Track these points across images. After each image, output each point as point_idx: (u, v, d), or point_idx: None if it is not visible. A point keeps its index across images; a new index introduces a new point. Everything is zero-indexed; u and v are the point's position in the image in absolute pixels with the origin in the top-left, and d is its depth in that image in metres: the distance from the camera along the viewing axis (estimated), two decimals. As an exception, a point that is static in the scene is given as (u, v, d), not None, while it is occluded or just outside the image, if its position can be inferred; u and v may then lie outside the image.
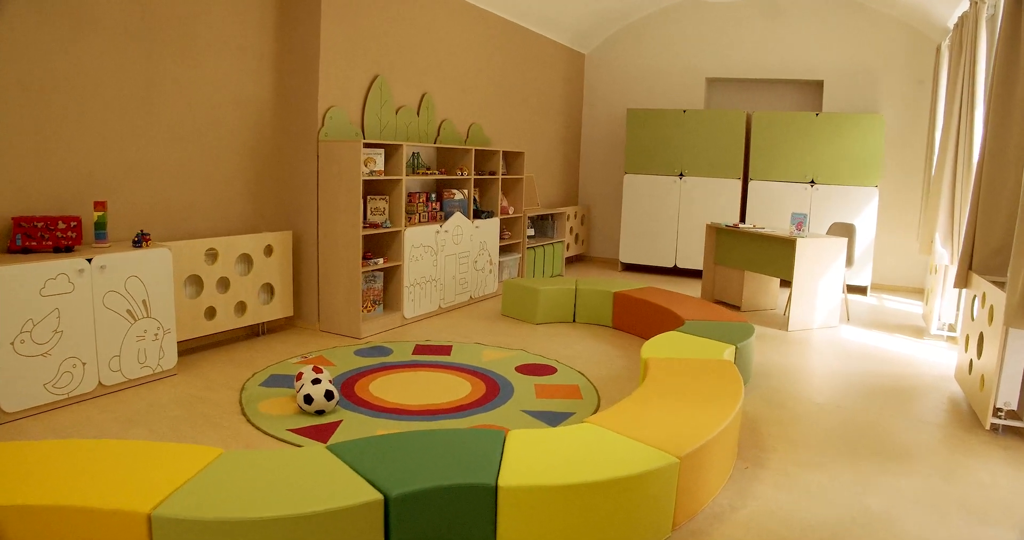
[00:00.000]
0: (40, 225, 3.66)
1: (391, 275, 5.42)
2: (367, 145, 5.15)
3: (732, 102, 8.46)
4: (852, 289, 7.47)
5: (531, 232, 7.64)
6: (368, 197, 5.25)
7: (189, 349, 4.58)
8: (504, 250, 7.10)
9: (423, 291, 5.58)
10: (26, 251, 3.61)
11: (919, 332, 5.70)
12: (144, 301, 3.93)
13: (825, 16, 7.73)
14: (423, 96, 6.02)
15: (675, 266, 8.12)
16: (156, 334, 4.01)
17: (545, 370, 4.38)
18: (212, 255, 4.51)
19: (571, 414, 3.66)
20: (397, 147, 5.21)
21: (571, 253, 8.58)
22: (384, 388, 3.94)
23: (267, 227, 5.10)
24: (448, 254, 5.83)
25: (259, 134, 4.95)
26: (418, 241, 5.46)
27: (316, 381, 3.57)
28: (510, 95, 7.43)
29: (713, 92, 8.56)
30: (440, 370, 4.31)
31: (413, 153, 5.75)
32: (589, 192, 9.21)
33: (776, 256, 5.68)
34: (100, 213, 3.93)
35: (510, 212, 6.87)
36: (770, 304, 6.40)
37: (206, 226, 4.66)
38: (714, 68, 8.30)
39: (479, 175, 6.33)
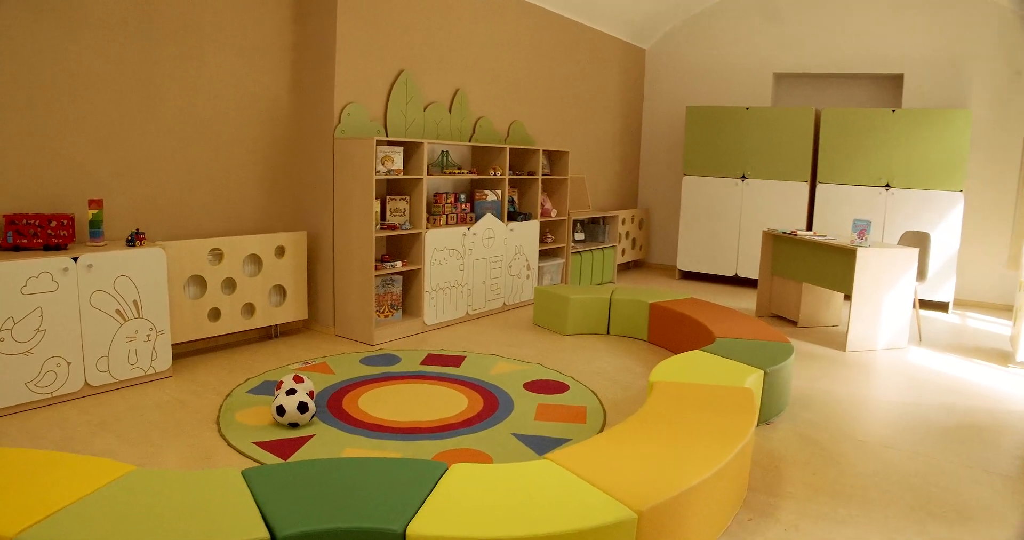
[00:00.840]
0: (33, 223, 3.61)
1: (411, 279, 5.18)
2: (386, 143, 4.94)
3: (801, 99, 7.76)
4: (931, 305, 6.65)
5: (580, 236, 7.24)
6: (388, 197, 5.03)
7: (191, 351, 4.49)
8: (545, 255, 6.74)
9: (447, 297, 5.30)
10: (17, 249, 3.58)
11: (1004, 358, 4.92)
12: (135, 301, 3.83)
13: (905, 2, 6.93)
14: (456, 92, 5.75)
15: (736, 275, 7.51)
16: (148, 335, 3.91)
17: (556, 387, 4.00)
18: (217, 255, 4.39)
19: (566, 441, 3.27)
20: (418, 145, 4.97)
21: (626, 259, 8.11)
22: (374, 401, 3.68)
23: (282, 227, 4.97)
24: (477, 258, 5.54)
25: (272, 132, 4.82)
26: (441, 244, 5.19)
27: (291, 391, 3.35)
28: (559, 92, 7.07)
29: (781, 88, 7.88)
30: (442, 383, 4.01)
31: (442, 152, 5.50)
32: (649, 195, 8.70)
33: (836, 267, 5.06)
34: (95, 211, 3.87)
35: (552, 214, 6.51)
36: (832, 320, 5.74)
37: (214, 226, 4.56)
38: (783, 63, 7.63)
39: (517, 175, 6.00)
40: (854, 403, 3.91)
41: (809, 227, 7.21)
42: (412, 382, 4.02)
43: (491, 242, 5.67)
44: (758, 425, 3.49)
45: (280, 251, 4.72)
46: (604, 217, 7.49)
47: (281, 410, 3.30)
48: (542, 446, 3.21)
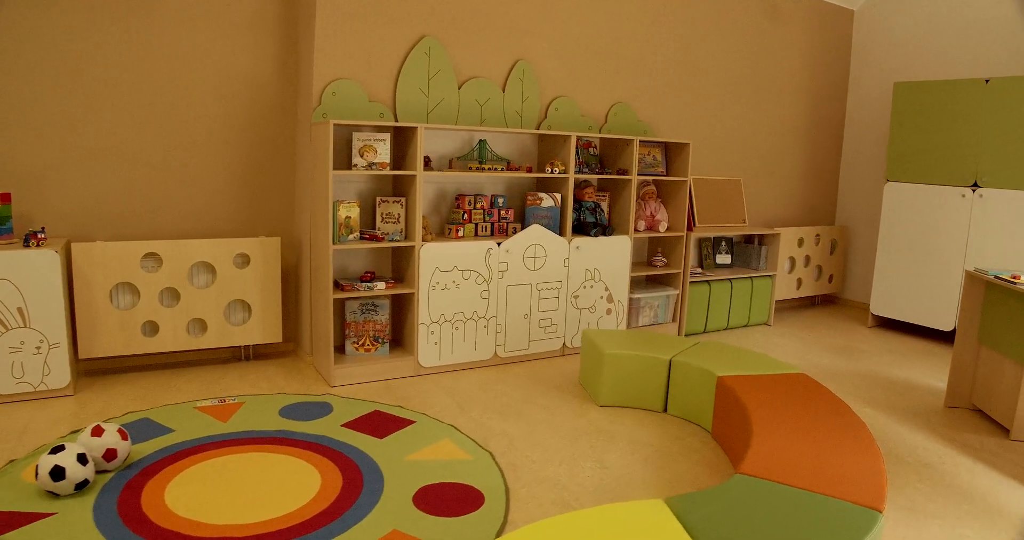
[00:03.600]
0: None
1: (406, 305, 4.03)
2: (371, 128, 3.85)
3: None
4: None
5: (725, 259, 5.39)
6: (380, 199, 3.94)
7: (128, 367, 3.88)
8: (653, 282, 5.06)
9: (459, 332, 4.04)
10: None
11: None
12: (20, 309, 3.28)
13: None
14: (515, 65, 4.43)
15: (955, 329, 4.97)
16: (38, 348, 3.34)
17: (463, 506, 2.56)
18: (155, 260, 3.72)
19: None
20: (412, 131, 3.79)
21: (808, 292, 5.94)
22: (197, 479, 2.62)
23: (265, 232, 4.15)
24: (514, 283, 4.17)
25: (254, 119, 4.00)
26: (449, 262, 3.94)
27: (58, 449, 2.47)
28: (700, 66, 5.29)
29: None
30: (319, 457, 2.83)
31: (480, 141, 4.23)
32: (851, 208, 6.34)
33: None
34: (2, 206, 3.41)
35: (661, 228, 4.82)
36: (1086, 440, 3.26)
37: (176, 228, 3.89)
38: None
39: (604, 174, 4.48)
40: None
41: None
42: (279, 451, 2.89)
43: (540, 262, 4.25)
44: None
45: (243, 260, 3.91)
46: (761, 235, 5.49)
47: (37, 471, 2.43)
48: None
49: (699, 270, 5.15)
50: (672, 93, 5.18)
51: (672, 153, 4.92)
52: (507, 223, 4.26)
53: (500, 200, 4.25)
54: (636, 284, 5.01)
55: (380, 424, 3.24)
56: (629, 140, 4.54)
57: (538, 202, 4.33)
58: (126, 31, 3.63)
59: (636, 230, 4.81)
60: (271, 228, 4.17)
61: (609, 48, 4.82)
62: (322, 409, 3.40)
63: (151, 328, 3.75)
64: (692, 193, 5.09)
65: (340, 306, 3.97)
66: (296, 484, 2.63)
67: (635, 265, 5.00)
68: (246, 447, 2.93)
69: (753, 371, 3.29)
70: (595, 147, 4.73)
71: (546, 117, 4.60)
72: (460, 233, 4.08)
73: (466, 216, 4.13)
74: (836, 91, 6.20)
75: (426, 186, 4.21)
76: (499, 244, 4.09)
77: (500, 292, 4.14)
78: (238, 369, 3.96)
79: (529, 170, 4.28)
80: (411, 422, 3.28)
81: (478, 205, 4.17)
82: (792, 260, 5.79)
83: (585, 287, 4.46)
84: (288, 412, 3.34)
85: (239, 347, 4.12)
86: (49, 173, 3.58)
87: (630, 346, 3.64)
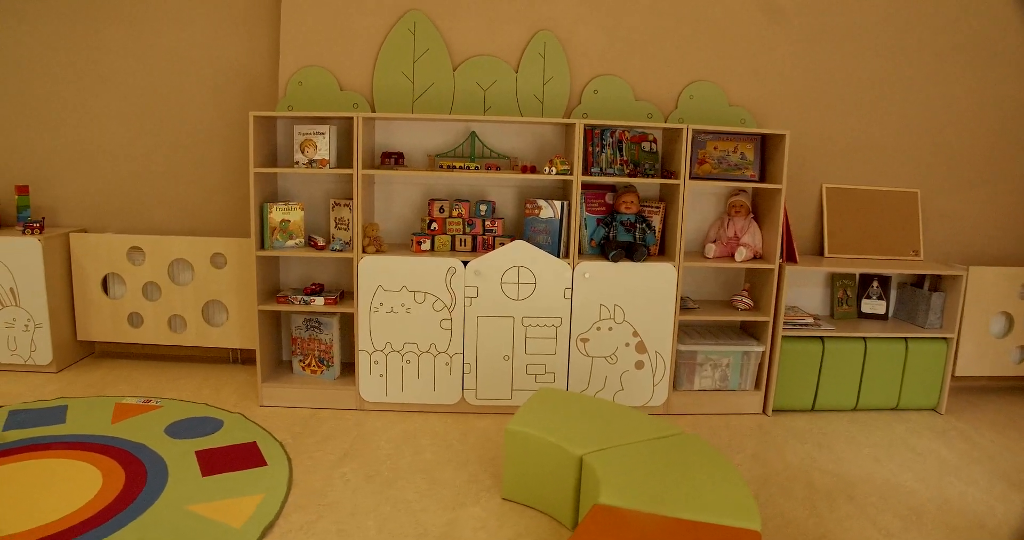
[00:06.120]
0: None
1: (351, 327, 3.46)
2: (310, 119, 3.34)
3: None
4: None
5: (877, 307, 3.67)
6: (333, 202, 3.44)
7: (116, 353, 4.09)
8: (730, 330, 3.64)
9: (411, 366, 3.35)
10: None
11: None
12: (12, 289, 3.62)
13: None
14: (532, 37, 3.49)
15: None
16: (27, 325, 3.67)
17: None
18: (137, 254, 3.78)
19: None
20: (347, 121, 3.20)
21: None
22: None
23: (245, 232, 3.92)
24: (488, 313, 3.31)
25: (236, 113, 3.76)
26: (397, 281, 3.27)
27: None
28: (841, 17, 3.61)
29: None
30: (85, 453, 2.53)
31: (471, 133, 3.42)
32: None
33: None
34: (21, 197, 3.78)
35: (738, 257, 3.41)
36: None
37: (177, 222, 3.92)
38: None
39: (668, 178, 3.32)
40: None
41: None
42: (16, 459, 2.68)
43: (527, 290, 3.31)
44: None
45: (219, 260, 3.77)
46: (939, 277, 3.57)
47: None
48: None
49: (813, 320, 3.54)
50: (791, 62, 3.62)
51: (771, 149, 3.43)
52: (493, 237, 3.40)
53: (483, 207, 3.40)
54: (704, 332, 3.65)
55: (233, 458, 2.81)
56: (679, 129, 3.26)
57: (535, 212, 3.37)
58: (125, 36, 3.71)
59: (705, 256, 3.49)
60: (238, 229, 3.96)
61: (684, 3, 3.53)
62: (211, 426, 3.10)
63: (137, 319, 3.85)
64: (786, 211, 3.53)
65: (282, 319, 3.63)
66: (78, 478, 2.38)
67: (709, 305, 3.65)
68: (51, 453, 2.76)
69: (681, 507, 2.03)
70: (654, 142, 3.53)
71: (580, 103, 3.56)
72: (424, 247, 3.37)
73: (435, 226, 3.39)
74: None
75: (407, 188, 3.58)
76: (465, 263, 3.27)
77: (468, 323, 3.32)
78: (215, 371, 3.87)
79: (525, 169, 3.34)
80: (263, 465, 2.78)
81: (454, 213, 3.40)
82: (1009, 318, 3.68)
83: (599, 328, 3.36)
84: (175, 428, 3.09)
85: (228, 349, 4.03)
86: (63, 168, 3.87)
87: (551, 424, 2.58)
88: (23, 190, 3.78)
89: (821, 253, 3.72)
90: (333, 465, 2.84)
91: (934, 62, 3.67)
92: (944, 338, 3.51)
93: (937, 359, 3.50)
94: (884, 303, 3.68)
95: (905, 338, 3.49)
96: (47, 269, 3.61)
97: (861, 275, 3.71)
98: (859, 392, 3.51)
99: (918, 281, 3.70)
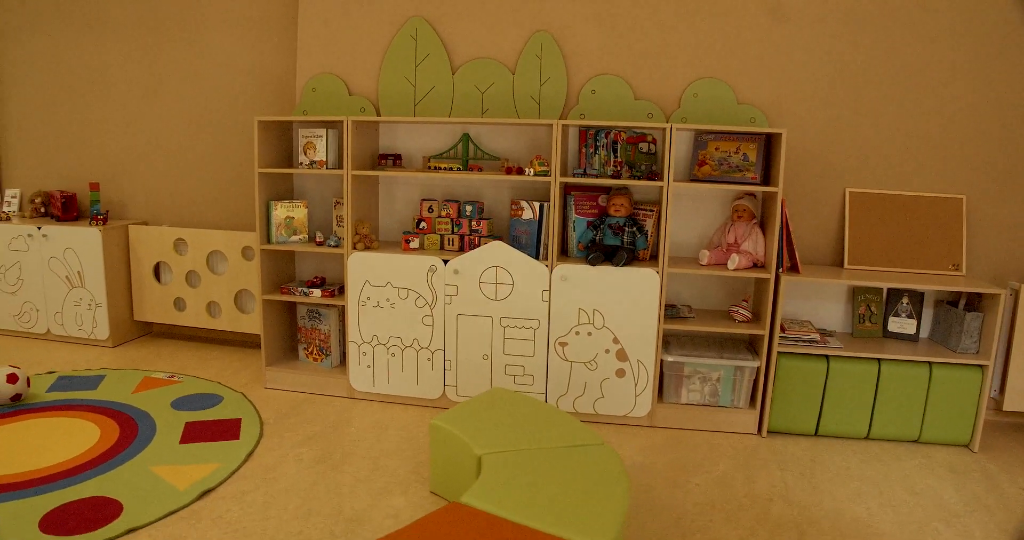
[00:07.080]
0: (56, 197, 4.38)
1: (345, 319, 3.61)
2: (311, 123, 3.55)
3: None
4: None
5: (907, 326, 3.28)
6: (336, 200, 3.63)
7: (166, 333, 4.56)
8: (727, 346, 3.39)
9: (396, 359, 3.45)
10: (54, 218, 4.40)
11: None
12: (79, 272, 4.17)
13: None
14: (529, 38, 3.47)
15: None
16: (90, 304, 4.20)
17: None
18: (183, 245, 4.19)
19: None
20: (336, 124, 3.36)
21: None
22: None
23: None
24: (467, 312, 3.34)
25: (259, 117, 4.08)
26: (382, 277, 3.39)
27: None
28: (885, 28, 3.25)
29: None
30: (77, 413, 2.86)
31: (463, 135, 3.46)
32: None
33: None
34: (93, 193, 4.33)
35: (730, 265, 3.18)
36: None
37: (222, 218, 4.31)
38: None
39: (634, 176, 3.21)
40: None
41: None
42: (44, 415, 3.06)
43: (505, 291, 3.30)
44: None
45: (249, 253, 4.09)
46: (979, 296, 3.10)
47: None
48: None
49: (820, 336, 3.22)
50: (807, 56, 3.32)
51: (775, 150, 3.17)
52: (479, 237, 3.43)
53: (468, 208, 3.44)
54: (704, 343, 3.44)
55: (213, 431, 3.07)
56: (661, 128, 3.10)
57: (519, 213, 3.36)
58: (178, 54, 4.15)
59: (699, 262, 3.29)
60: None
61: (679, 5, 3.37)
62: (212, 401, 3.41)
63: (180, 303, 4.27)
64: (786, 213, 3.23)
65: (291, 309, 3.86)
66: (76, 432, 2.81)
67: (709, 314, 3.43)
68: (71, 412, 3.15)
69: (538, 518, 1.98)
70: (652, 142, 3.39)
71: (578, 103, 3.50)
72: (413, 245, 3.46)
73: (424, 225, 3.48)
74: None
75: (408, 189, 3.70)
76: (445, 262, 3.33)
77: (448, 321, 3.37)
78: (240, 354, 4.20)
79: (510, 171, 3.33)
80: (235, 439, 3.01)
81: (443, 213, 3.47)
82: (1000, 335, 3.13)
83: (577, 333, 3.28)
84: (181, 401, 3.42)
85: (255, 335, 4.35)
86: (128, 167, 4.39)
87: (475, 422, 2.57)
88: (94, 187, 4.33)
89: (843, 264, 3.38)
90: (295, 445, 3.00)
91: (981, 48, 3.23)
92: (980, 365, 3.06)
93: (969, 388, 3.06)
94: (915, 322, 3.28)
95: (929, 363, 3.08)
96: (106, 256, 4.11)
97: (889, 290, 3.32)
98: (871, 419, 3.14)
99: (956, 299, 3.26)
